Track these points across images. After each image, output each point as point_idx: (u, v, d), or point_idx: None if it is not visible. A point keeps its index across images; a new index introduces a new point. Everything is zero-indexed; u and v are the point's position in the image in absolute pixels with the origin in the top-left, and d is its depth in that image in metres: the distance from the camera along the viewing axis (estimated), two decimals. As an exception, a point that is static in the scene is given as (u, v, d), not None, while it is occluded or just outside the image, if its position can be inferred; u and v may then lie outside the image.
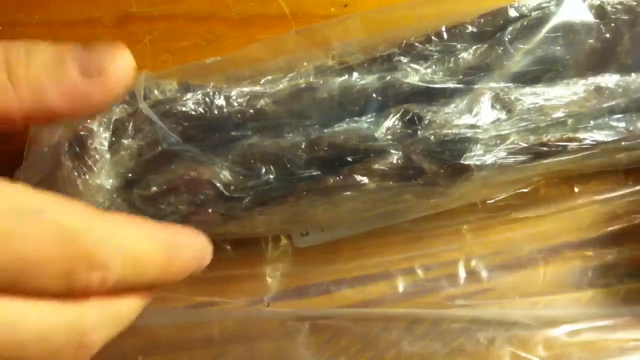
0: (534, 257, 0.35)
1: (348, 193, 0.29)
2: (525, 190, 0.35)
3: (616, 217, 0.35)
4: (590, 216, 0.35)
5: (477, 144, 0.29)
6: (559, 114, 0.29)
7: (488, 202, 0.35)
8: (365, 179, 0.29)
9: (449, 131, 0.29)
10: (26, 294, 0.23)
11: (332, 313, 0.33)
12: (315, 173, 0.29)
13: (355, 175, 0.29)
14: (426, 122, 0.29)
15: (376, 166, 0.29)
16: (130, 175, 0.28)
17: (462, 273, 0.35)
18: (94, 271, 0.23)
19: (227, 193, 0.28)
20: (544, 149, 0.29)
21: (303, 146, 0.28)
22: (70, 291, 0.23)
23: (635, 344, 0.30)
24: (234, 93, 0.29)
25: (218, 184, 0.28)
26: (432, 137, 0.29)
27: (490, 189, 0.33)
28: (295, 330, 0.31)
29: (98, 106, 0.24)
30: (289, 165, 0.28)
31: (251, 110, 0.29)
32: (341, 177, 0.29)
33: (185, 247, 0.27)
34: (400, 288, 0.35)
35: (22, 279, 0.22)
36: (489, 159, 0.29)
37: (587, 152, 0.30)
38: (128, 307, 0.26)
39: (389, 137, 0.29)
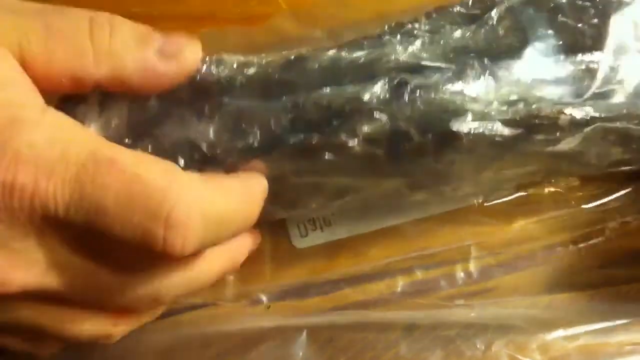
0: (531, 258, 0.35)
1: (334, 158, 0.28)
2: (524, 193, 0.35)
3: (613, 218, 0.35)
4: (588, 218, 0.35)
5: (465, 113, 0.28)
6: (550, 89, 0.29)
7: (486, 204, 0.35)
8: (351, 141, 0.28)
9: (437, 96, 0.28)
10: (107, 244, 0.23)
11: (331, 320, 0.33)
12: (300, 135, 0.28)
13: (341, 135, 0.28)
14: (413, 87, 0.28)
15: (362, 128, 0.28)
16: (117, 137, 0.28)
17: (460, 274, 0.35)
18: (173, 229, 0.23)
19: (209, 154, 0.27)
20: (535, 121, 0.29)
21: (289, 106, 0.28)
22: (149, 247, 0.23)
23: (633, 347, 0.31)
24: (225, 58, 0.28)
25: (203, 145, 0.27)
26: (419, 102, 0.28)
27: (484, 184, 0.32)
28: (293, 332, 0.31)
29: (165, 85, 0.26)
30: (273, 128, 0.28)
31: (241, 77, 0.28)
32: (326, 135, 0.28)
33: (257, 190, 0.27)
34: (399, 288, 0.35)
35: (98, 226, 0.23)
36: (478, 127, 0.29)
37: (581, 133, 0.29)
38: (202, 266, 0.27)
39: (375, 100, 0.28)
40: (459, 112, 0.28)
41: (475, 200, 0.35)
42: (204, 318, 0.34)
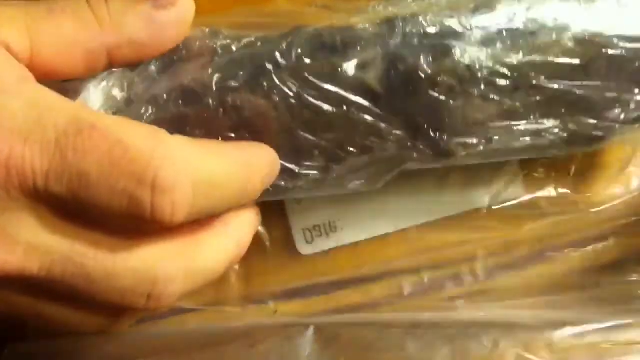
0: (539, 259, 0.35)
1: (329, 87, 0.28)
2: (532, 196, 0.35)
3: (620, 217, 0.35)
4: (595, 217, 0.35)
5: (461, 41, 0.29)
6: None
7: (494, 207, 0.35)
8: (348, 66, 0.28)
9: (431, 21, 0.29)
10: (92, 219, 0.23)
11: (337, 318, 0.33)
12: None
13: (334, 62, 0.28)
14: (406, 18, 0.29)
15: (356, 54, 0.29)
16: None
17: (466, 274, 0.34)
18: (160, 193, 0.22)
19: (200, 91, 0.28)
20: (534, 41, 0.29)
21: (283, 45, 0.28)
22: (139, 218, 0.22)
23: (641, 346, 0.30)
24: (222, 30, 0.29)
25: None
26: (411, 28, 0.29)
27: (490, 148, 0.31)
28: (300, 329, 0.31)
29: (171, 37, 0.27)
30: (266, 64, 0.28)
31: (236, 43, 0.29)
32: (319, 61, 0.28)
33: (259, 160, 0.27)
34: (405, 289, 0.34)
35: (82, 196, 0.22)
36: (473, 55, 0.29)
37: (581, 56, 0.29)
38: (205, 253, 0.25)
39: (371, 30, 0.29)
40: (454, 40, 0.29)
41: (482, 203, 0.35)
42: (209, 315, 0.34)
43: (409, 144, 0.30)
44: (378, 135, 0.30)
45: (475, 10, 0.30)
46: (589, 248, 0.35)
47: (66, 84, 0.27)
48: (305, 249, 0.36)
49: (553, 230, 0.35)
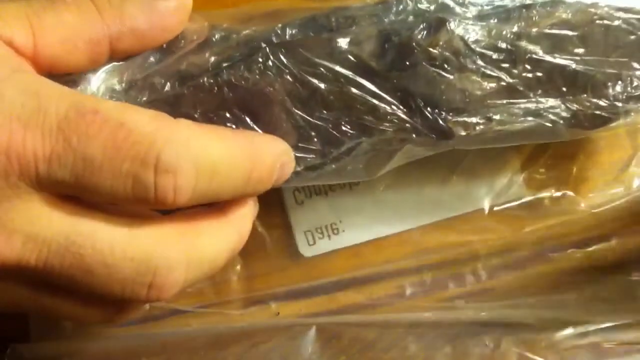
0: (541, 259, 0.35)
1: (323, 62, 0.28)
2: (532, 197, 0.35)
3: (621, 217, 0.35)
4: (596, 217, 0.35)
5: (456, 15, 0.29)
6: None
7: (496, 208, 0.35)
8: (342, 41, 0.28)
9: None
10: (94, 202, 0.23)
11: (339, 317, 0.33)
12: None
13: (328, 37, 0.28)
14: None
15: (353, 33, 0.29)
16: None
17: (468, 274, 0.34)
18: (163, 174, 0.22)
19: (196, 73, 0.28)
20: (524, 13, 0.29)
21: (279, 28, 0.29)
22: (142, 198, 0.22)
23: (642, 346, 0.30)
24: (220, 24, 0.30)
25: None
26: (408, 7, 0.29)
27: (481, 139, 0.31)
28: (302, 329, 0.31)
29: (172, 26, 0.27)
30: (261, 43, 0.28)
31: (235, 35, 0.29)
32: (313, 39, 0.28)
33: (267, 150, 0.26)
34: (407, 289, 0.34)
35: (86, 180, 0.22)
36: (468, 27, 0.29)
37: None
38: (206, 241, 0.25)
39: (365, 9, 0.29)
40: (449, 11, 0.29)
41: (483, 204, 0.35)
42: (211, 317, 0.34)
43: (407, 125, 0.29)
44: (374, 114, 0.29)
45: None
46: (591, 248, 0.34)
47: (65, 76, 0.26)
48: (307, 251, 0.36)
49: (554, 231, 0.35)
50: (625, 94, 0.31)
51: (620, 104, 0.31)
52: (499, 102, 0.30)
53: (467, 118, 0.30)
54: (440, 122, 0.29)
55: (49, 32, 0.24)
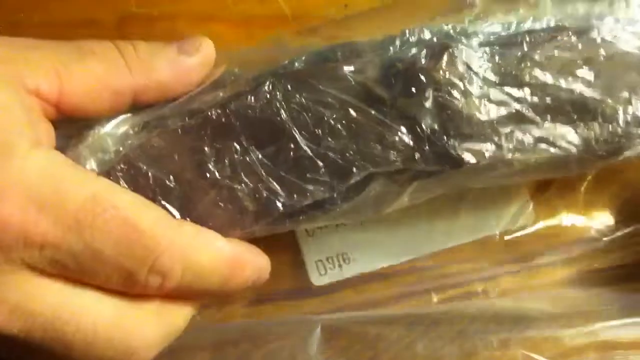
0: (548, 258, 0.34)
1: (329, 90, 0.28)
2: (543, 225, 0.35)
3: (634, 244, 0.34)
4: (607, 245, 0.35)
5: (459, 42, 0.29)
6: None
7: (506, 237, 0.35)
8: (346, 69, 0.29)
9: (432, 30, 0.30)
10: (88, 283, 0.24)
11: (344, 314, 0.32)
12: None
13: (334, 65, 0.29)
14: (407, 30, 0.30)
15: (358, 62, 0.29)
16: None
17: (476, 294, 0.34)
18: (154, 274, 0.24)
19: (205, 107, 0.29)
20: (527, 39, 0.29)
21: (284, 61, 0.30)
22: (128, 288, 0.24)
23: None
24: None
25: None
26: (412, 37, 0.30)
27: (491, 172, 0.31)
28: (305, 331, 0.30)
29: (195, 79, 0.28)
30: (269, 76, 0.29)
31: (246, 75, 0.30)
32: (319, 68, 0.29)
33: (247, 263, 0.28)
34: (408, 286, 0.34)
35: (87, 269, 0.23)
36: (472, 53, 0.29)
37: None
38: (178, 315, 0.27)
39: (371, 43, 0.30)
40: (453, 39, 0.30)
41: (493, 232, 0.35)
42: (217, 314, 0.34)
43: (415, 153, 0.29)
44: (382, 142, 0.29)
45: (474, 19, 0.30)
46: (601, 247, 0.34)
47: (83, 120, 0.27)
48: (318, 280, 0.35)
49: (564, 258, 0.34)
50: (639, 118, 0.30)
51: (635, 130, 0.30)
52: (508, 128, 0.30)
53: (476, 145, 0.29)
54: (449, 149, 0.29)
55: (75, 81, 0.25)
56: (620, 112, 0.30)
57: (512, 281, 0.34)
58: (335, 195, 0.30)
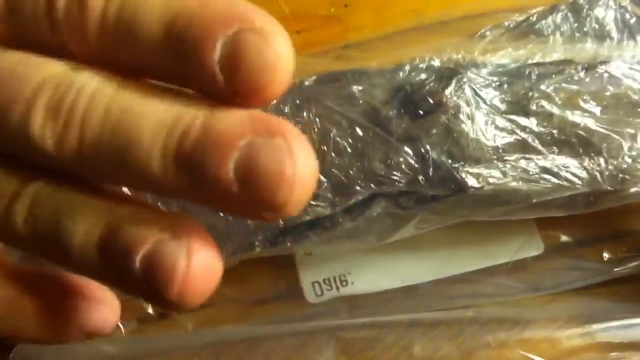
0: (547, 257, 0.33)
1: (336, 107, 0.28)
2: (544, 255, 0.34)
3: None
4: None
5: (467, 69, 0.29)
6: None
7: (511, 264, 0.34)
8: (355, 88, 0.29)
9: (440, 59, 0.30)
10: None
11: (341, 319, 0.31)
12: None
13: (342, 85, 0.28)
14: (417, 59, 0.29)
15: (367, 83, 0.29)
16: None
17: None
18: None
19: None
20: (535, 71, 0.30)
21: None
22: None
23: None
24: None
25: None
26: (422, 64, 0.30)
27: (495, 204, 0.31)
28: (303, 334, 0.30)
29: None
30: None
31: None
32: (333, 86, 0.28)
33: None
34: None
35: None
36: (479, 80, 0.29)
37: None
38: None
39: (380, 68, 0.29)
40: (461, 66, 0.30)
41: (497, 261, 0.34)
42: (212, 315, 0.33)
43: (419, 176, 0.29)
44: (386, 162, 0.29)
45: (483, 52, 0.31)
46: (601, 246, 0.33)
47: None
48: (314, 299, 0.35)
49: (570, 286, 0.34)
50: None
51: None
52: (513, 156, 0.30)
53: (480, 170, 0.29)
54: (453, 172, 0.29)
55: None
56: (625, 148, 0.30)
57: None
58: (336, 212, 0.29)
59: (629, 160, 0.30)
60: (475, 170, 0.29)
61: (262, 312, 0.34)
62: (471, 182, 0.29)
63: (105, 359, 0.29)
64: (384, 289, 0.35)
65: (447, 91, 0.29)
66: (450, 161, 0.29)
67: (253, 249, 0.30)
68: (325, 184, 0.29)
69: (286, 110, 0.29)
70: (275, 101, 0.28)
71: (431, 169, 0.29)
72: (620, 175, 0.30)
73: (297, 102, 0.29)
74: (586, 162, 0.30)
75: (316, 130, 0.29)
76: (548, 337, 0.27)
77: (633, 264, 0.33)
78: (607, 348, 0.27)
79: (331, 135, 0.29)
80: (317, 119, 0.29)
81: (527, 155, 0.30)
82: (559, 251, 0.34)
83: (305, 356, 0.28)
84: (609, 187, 0.30)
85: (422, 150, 0.29)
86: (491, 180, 0.29)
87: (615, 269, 0.33)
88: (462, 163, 0.29)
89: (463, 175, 0.29)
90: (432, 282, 0.35)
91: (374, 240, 0.32)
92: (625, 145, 0.30)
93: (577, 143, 0.30)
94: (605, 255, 0.34)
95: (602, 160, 0.30)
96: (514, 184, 0.30)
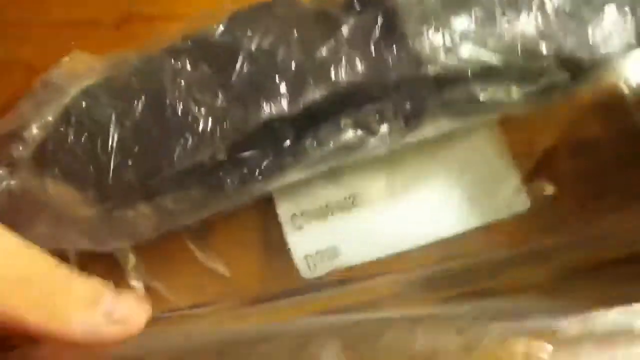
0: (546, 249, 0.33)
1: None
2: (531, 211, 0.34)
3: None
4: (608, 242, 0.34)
5: None
6: None
7: (498, 222, 0.35)
8: None
9: None
10: None
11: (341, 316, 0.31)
12: None
13: None
14: None
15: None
16: None
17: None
18: None
19: None
20: None
21: None
22: None
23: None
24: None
25: None
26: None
27: None
28: (304, 332, 0.29)
29: (108, 345, 0.28)
30: None
31: None
32: None
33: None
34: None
35: None
36: None
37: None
38: None
39: None
40: None
41: (484, 220, 0.34)
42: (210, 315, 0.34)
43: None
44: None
45: None
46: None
47: None
48: (308, 274, 0.35)
49: (561, 244, 0.34)
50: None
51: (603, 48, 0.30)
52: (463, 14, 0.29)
53: (433, 38, 0.29)
54: (409, 47, 0.29)
55: None
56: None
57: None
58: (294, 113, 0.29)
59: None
60: (428, 40, 0.29)
61: (262, 311, 0.34)
62: (425, 53, 0.29)
63: (105, 359, 0.29)
64: (375, 257, 0.35)
65: None
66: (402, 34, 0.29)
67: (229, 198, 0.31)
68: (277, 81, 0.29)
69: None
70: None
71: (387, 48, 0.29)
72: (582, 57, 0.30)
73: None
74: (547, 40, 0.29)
75: (268, 34, 0.29)
76: (548, 327, 0.27)
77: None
78: (607, 337, 0.26)
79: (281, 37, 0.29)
80: (266, 27, 0.29)
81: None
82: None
83: (307, 355, 0.27)
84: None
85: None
86: (450, 52, 0.29)
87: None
88: (415, 33, 0.29)
89: (418, 48, 0.29)
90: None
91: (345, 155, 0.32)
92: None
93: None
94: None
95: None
96: (470, 53, 0.29)
